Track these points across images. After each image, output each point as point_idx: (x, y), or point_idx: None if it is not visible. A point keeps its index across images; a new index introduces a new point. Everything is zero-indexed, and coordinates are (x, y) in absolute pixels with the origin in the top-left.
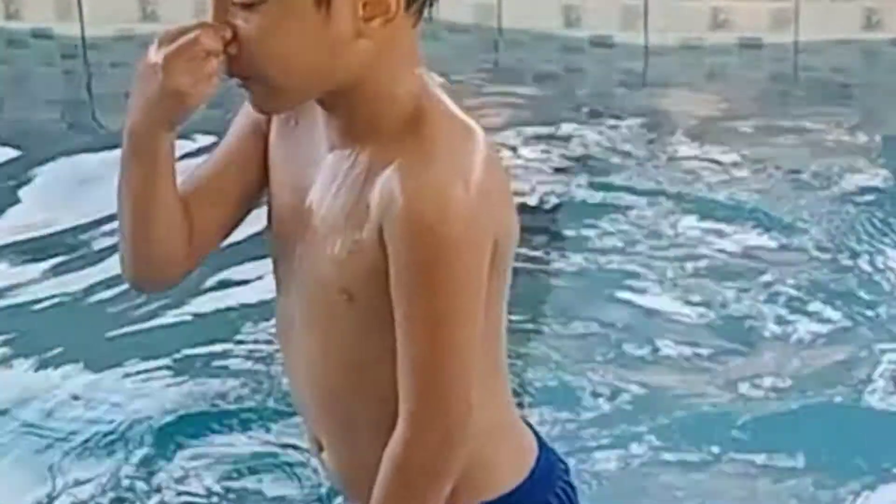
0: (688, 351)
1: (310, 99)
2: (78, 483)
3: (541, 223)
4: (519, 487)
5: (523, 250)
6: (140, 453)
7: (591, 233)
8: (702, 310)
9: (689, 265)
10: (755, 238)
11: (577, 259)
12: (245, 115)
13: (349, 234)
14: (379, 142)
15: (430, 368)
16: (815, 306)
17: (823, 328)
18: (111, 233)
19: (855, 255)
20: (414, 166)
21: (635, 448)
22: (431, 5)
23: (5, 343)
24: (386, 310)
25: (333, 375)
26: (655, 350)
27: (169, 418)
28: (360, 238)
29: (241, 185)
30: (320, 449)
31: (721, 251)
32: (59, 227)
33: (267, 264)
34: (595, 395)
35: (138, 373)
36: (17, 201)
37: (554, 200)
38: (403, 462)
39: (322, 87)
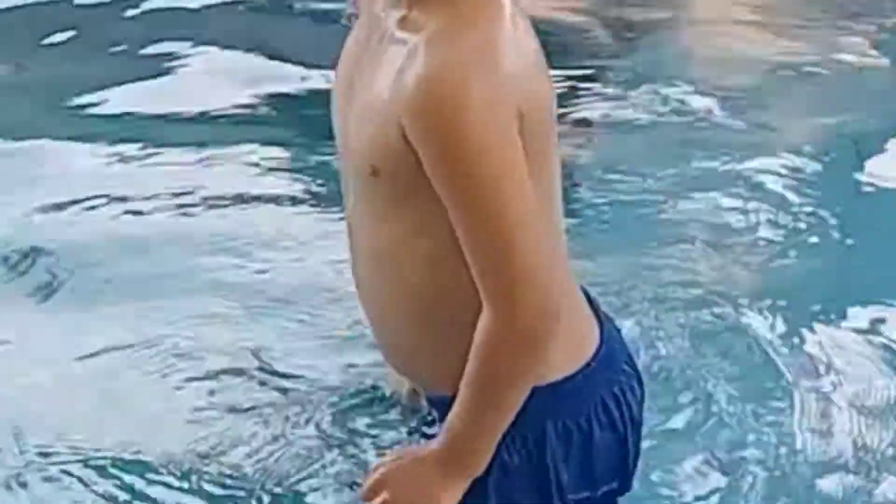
0: None
1: None
2: None
3: None
4: (570, 378)
5: None
6: None
7: None
8: None
9: None
10: None
11: None
12: None
13: (377, 110)
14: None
15: (497, 252)
16: None
17: None
18: None
19: None
20: (430, 49)
21: None
22: None
23: None
24: (409, 189)
25: (369, 251)
26: None
27: None
28: (383, 118)
29: None
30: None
31: None
32: None
33: None
34: None
35: None
36: None
37: None
38: (495, 348)
39: None
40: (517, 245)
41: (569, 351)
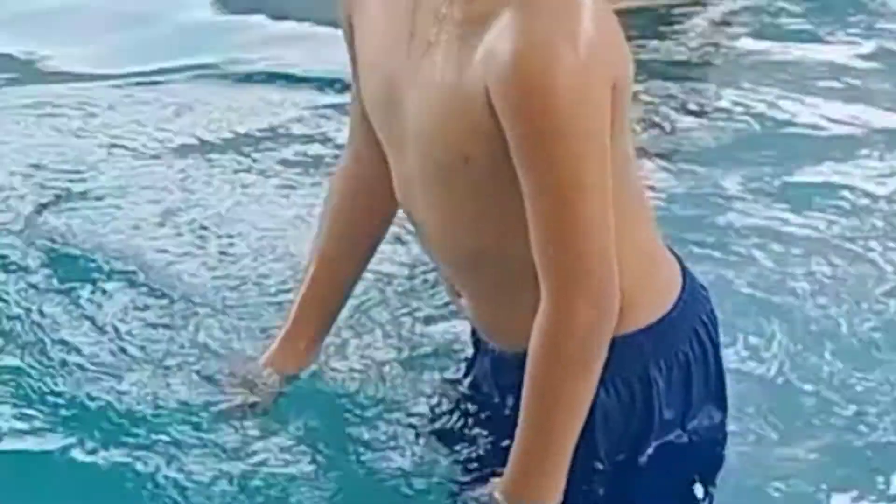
0: None
1: None
2: None
3: None
4: (666, 317)
5: None
6: None
7: None
8: None
9: None
10: None
11: None
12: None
13: (458, 92)
14: None
15: (567, 240)
16: None
17: None
18: None
19: None
20: (520, 22)
21: None
22: None
23: None
24: (505, 172)
25: (458, 237)
26: None
27: None
28: (469, 98)
29: None
30: (458, 295)
31: None
32: None
33: None
34: None
35: None
36: None
37: None
38: (556, 342)
39: None
40: (594, 228)
41: (663, 292)
